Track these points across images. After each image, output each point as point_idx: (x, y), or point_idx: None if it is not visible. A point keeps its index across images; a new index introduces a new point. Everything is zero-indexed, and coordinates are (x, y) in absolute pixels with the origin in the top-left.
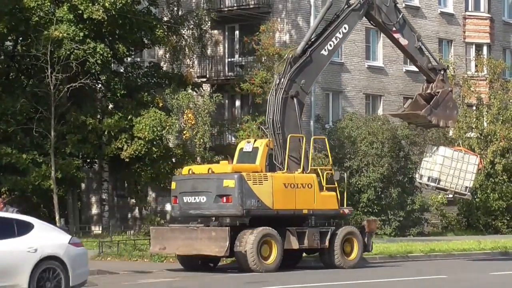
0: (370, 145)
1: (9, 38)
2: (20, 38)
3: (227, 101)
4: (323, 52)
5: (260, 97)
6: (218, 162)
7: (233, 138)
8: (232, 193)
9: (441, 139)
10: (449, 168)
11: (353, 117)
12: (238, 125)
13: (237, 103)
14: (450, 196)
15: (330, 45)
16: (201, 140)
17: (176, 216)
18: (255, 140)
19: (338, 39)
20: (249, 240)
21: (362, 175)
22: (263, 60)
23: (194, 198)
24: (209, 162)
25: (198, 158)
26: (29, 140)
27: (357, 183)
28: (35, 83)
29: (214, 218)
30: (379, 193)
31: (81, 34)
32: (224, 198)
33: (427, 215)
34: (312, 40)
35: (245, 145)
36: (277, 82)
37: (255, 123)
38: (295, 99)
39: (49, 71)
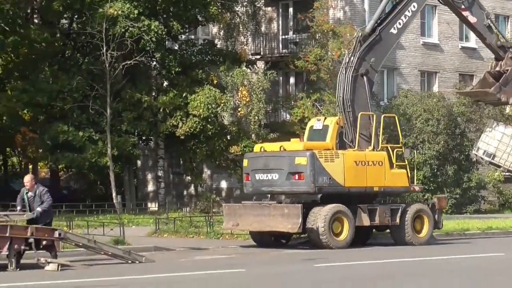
0: (426, 122)
1: (65, 16)
2: (76, 16)
3: (281, 78)
4: (392, 30)
5: (314, 74)
6: (273, 139)
7: (287, 116)
8: (304, 170)
9: (498, 116)
10: (506, 146)
11: (408, 94)
12: (292, 102)
13: (291, 80)
14: (507, 173)
15: (399, 24)
16: (256, 117)
17: (248, 193)
18: (325, 118)
19: (407, 18)
20: (321, 216)
21: (417, 153)
22: (317, 37)
23: (266, 176)
24: (263, 139)
25: (252, 135)
26: (85, 118)
27: (412, 160)
28: (90, 60)
29: (285, 195)
30: (435, 170)
31: (136, 11)
32: (296, 176)
33: (484, 193)
34: (381, 18)
35: (315, 123)
36: (347, 61)
37: (309, 100)
38: (365, 77)
39: (104, 48)
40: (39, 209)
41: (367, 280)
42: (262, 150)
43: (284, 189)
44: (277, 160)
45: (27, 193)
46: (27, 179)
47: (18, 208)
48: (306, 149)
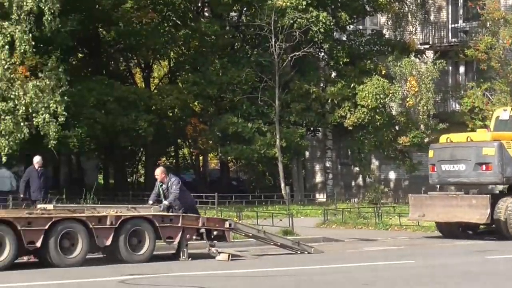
0: None
1: (234, 8)
2: (245, 9)
3: (450, 67)
4: None
5: (485, 63)
6: (442, 130)
7: (457, 106)
8: (492, 161)
9: None
10: None
11: None
12: (462, 92)
13: (461, 69)
14: None
15: None
16: (424, 107)
17: (433, 184)
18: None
19: None
20: (509, 207)
21: None
22: (488, 25)
23: (453, 166)
24: (432, 130)
25: (421, 125)
26: (254, 109)
27: None
28: (259, 52)
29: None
30: None
31: (304, 2)
32: (484, 166)
33: None
34: None
35: (502, 113)
36: None
37: (479, 89)
38: None
39: (272, 40)
40: (166, 202)
41: None
42: (448, 141)
43: (471, 179)
44: (464, 150)
45: (161, 185)
46: (157, 172)
47: (150, 202)
48: (494, 139)
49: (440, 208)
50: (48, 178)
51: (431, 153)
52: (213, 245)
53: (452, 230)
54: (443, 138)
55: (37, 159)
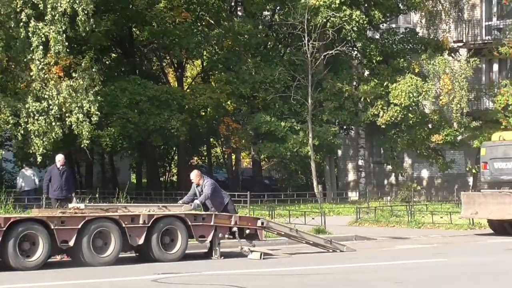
0: None
1: (267, 7)
2: (278, 8)
3: (484, 65)
4: None
5: None
6: (475, 128)
7: (490, 104)
8: None
9: None
10: None
11: None
12: (496, 90)
13: (495, 67)
14: None
15: None
16: (458, 105)
17: (486, 182)
18: None
19: None
20: None
21: None
22: None
23: (506, 164)
24: (466, 128)
25: (454, 124)
26: (287, 108)
27: None
28: (292, 51)
29: None
30: None
31: (337, 1)
32: None
33: None
34: None
35: None
36: None
37: None
38: None
39: (306, 39)
40: (197, 201)
41: None
42: (501, 139)
43: None
44: None
45: (197, 187)
46: (192, 176)
47: (180, 202)
48: None
49: (493, 206)
50: (70, 176)
51: (483, 151)
52: (253, 245)
53: (505, 228)
54: (495, 136)
55: (59, 158)
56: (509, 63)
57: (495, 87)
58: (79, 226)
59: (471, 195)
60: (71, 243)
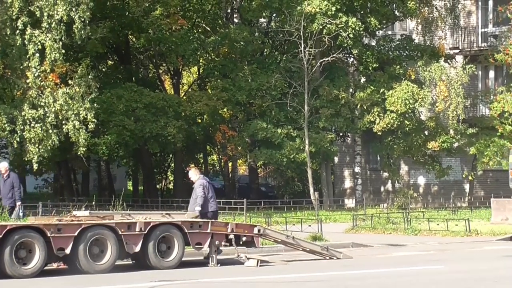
0: None
1: (264, 15)
2: (274, 15)
3: (480, 72)
4: None
5: None
6: (471, 135)
7: (486, 110)
8: None
9: None
10: None
11: None
12: (492, 96)
13: (491, 74)
14: None
15: None
16: (454, 112)
17: None
18: None
19: None
20: None
21: None
22: None
23: None
24: (462, 134)
25: (450, 130)
26: (283, 115)
27: None
28: (288, 58)
29: None
30: None
31: (333, 8)
32: None
33: None
34: None
35: None
36: None
37: (509, 94)
38: None
39: (302, 46)
40: (198, 208)
41: None
42: None
43: None
44: None
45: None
46: (190, 174)
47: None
48: None
49: None
50: (12, 184)
51: (511, 158)
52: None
53: None
54: None
55: (2, 166)
56: (505, 70)
57: (491, 94)
58: (76, 234)
59: (501, 201)
60: (68, 250)
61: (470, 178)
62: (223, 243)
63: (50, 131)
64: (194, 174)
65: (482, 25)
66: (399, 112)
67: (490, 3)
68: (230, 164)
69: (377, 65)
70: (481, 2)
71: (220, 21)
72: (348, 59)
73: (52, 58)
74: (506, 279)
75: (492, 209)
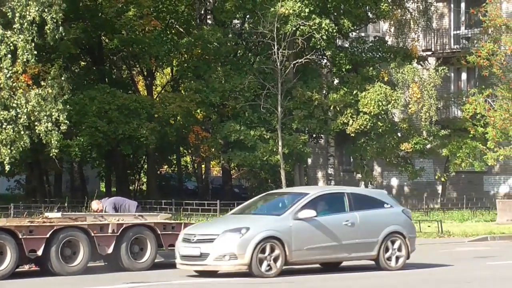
0: None
1: (237, 16)
2: (247, 16)
3: (452, 74)
4: None
5: (487, 69)
6: (444, 136)
7: (459, 112)
8: None
9: None
10: None
11: None
12: (464, 98)
13: (463, 76)
14: None
15: None
16: (427, 114)
17: None
18: None
19: None
20: None
21: None
22: (489, 32)
23: None
24: (434, 136)
25: (423, 132)
26: (256, 117)
27: None
28: (262, 60)
29: None
30: None
31: (307, 10)
32: None
33: None
34: None
35: None
36: None
37: (481, 96)
38: None
39: (275, 47)
40: None
41: None
42: None
43: None
44: None
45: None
46: (94, 206)
47: None
48: None
49: None
50: None
51: None
52: None
53: None
54: None
55: None
56: (477, 72)
57: (464, 96)
58: (48, 236)
59: (507, 202)
60: (40, 252)
61: (442, 179)
62: None
63: (22, 132)
64: (96, 203)
65: (454, 27)
66: (372, 113)
67: (463, 5)
68: (203, 165)
69: (350, 67)
70: (454, 4)
71: (193, 23)
72: (322, 60)
73: (24, 59)
74: (478, 280)
75: (498, 210)
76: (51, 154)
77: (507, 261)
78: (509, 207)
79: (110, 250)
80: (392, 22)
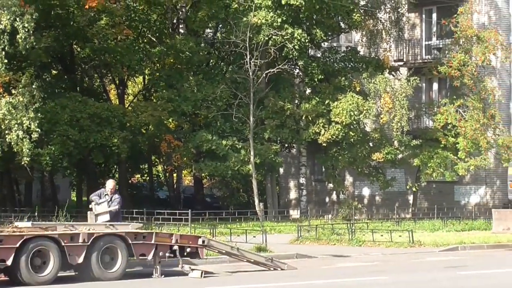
0: None
1: (209, 25)
2: (220, 26)
3: (424, 84)
4: None
5: (458, 80)
6: (415, 146)
7: (430, 122)
8: None
9: None
10: None
11: None
12: (435, 108)
13: (435, 86)
14: None
15: None
16: (399, 124)
17: None
18: None
19: None
20: None
21: None
22: (461, 43)
23: None
24: (406, 146)
25: (395, 142)
26: (228, 126)
27: None
28: (234, 69)
29: None
30: None
31: (279, 20)
32: None
33: None
34: None
35: None
36: None
37: (452, 106)
38: None
39: (248, 57)
40: (113, 208)
41: None
42: None
43: None
44: None
45: (106, 195)
46: (111, 185)
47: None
48: None
49: None
50: None
51: (510, 170)
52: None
53: None
54: None
55: None
56: (449, 83)
57: (435, 106)
58: (17, 245)
59: (503, 212)
60: (9, 262)
61: (414, 189)
62: (167, 254)
63: None
64: (114, 187)
65: (426, 38)
66: (344, 123)
67: (434, 16)
68: (175, 174)
69: (322, 77)
70: (425, 15)
71: (166, 32)
72: (294, 70)
73: None
74: None
75: (494, 219)
76: (22, 163)
77: (477, 271)
78: (504, 216)
79: (80, 260)
80: (364, 32)
